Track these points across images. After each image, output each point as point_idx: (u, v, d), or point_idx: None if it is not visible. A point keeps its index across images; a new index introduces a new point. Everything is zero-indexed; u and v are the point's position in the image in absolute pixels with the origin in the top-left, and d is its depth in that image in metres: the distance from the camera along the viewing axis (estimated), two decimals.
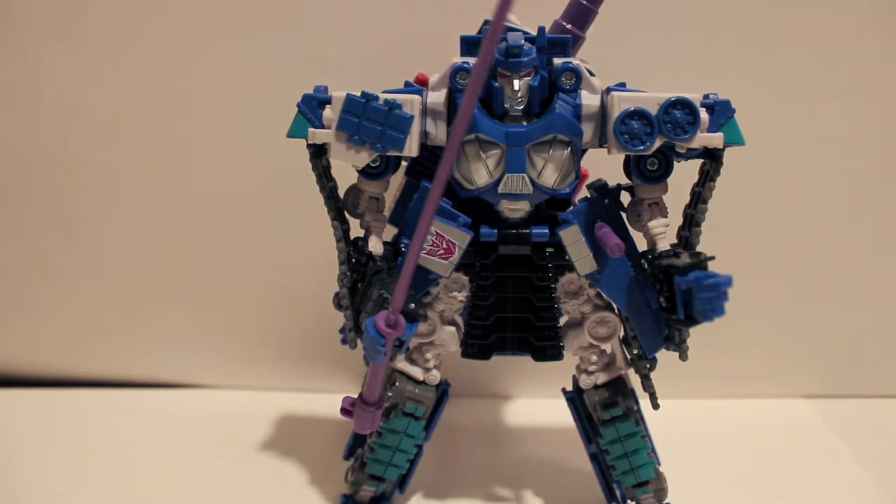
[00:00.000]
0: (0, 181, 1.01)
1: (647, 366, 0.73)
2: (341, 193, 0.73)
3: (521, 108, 0.68)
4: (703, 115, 0.67)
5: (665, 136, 0.67)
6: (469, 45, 0.70)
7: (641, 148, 0.67)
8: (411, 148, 0.68)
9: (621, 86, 0.69)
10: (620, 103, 0.67)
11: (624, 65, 0.86)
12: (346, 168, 0.71)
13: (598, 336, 0.75)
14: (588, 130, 0.69)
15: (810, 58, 0.96)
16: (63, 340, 1.06)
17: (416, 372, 0.76)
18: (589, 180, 0.78)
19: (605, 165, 0.76)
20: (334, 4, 0.95)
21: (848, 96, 0.98)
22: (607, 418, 0.75)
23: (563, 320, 0.77)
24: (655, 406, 0.75)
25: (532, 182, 0.69)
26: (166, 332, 1.06)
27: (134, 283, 1.04)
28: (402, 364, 0.76)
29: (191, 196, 1.01)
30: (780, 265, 1.03)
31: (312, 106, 0.68)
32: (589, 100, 0.69)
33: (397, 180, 0.81)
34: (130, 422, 0.98)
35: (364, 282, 0.70)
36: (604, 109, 0.68)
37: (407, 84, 0.71)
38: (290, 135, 0.69)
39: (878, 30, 0.96)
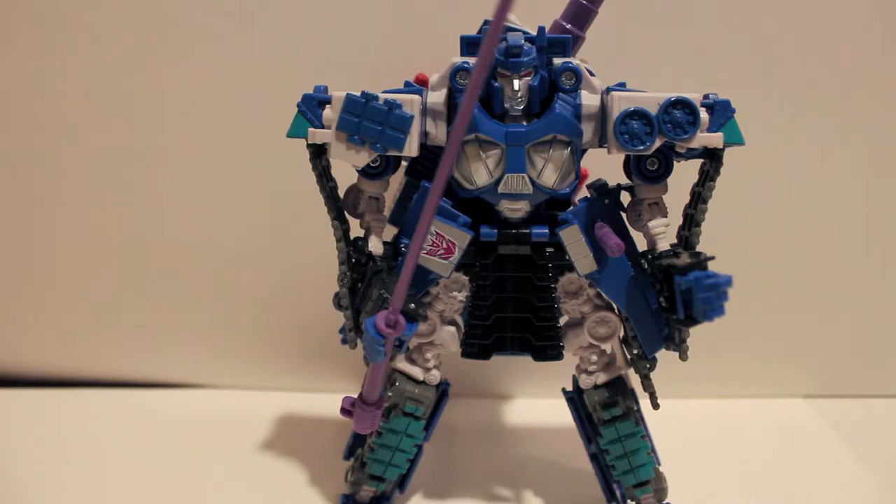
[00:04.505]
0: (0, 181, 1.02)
1: (647, 366, 0.73)
2: (341, 193, 0.73)
3: (521, 108, 0.68)
4: (703, 114, 0.67)
5: (665, 136, 0.67)
6: (469, 45, 0.70)
7: (641, 148, 0.67)
8: (411, 148, 0.68)
9: (621, 86, 0.69)
10: (620, 103, 0.67)
11: (624, 65, 0.86)
12: (346, 168, 0.71)
13: (598, 336, 0.75)
14: (588, 130, 0.69)
15: (810, 58, 0.96)
16: (63, 340, 1.06)
17: (416, 372, 0.76)
18: (589, 180, 0.78)
19: (605, 165, 0.76)
20: (335, 4, 0.95)
21: (848, 96, 0.98)
22: (607, 418, 0.75)
23: (563, 320, 0.76)
24: (655, 406, 0.75)
25: (532, 182, 0.69)
26: (166, 332, 1.06)
27: (134, 283, 1.04)
28: (402, 364, 0.76)
29: (191, 196, 1.01)
30: (779, 265, 1.03)
31: (312, 106, 0.68)
32: (589, 100, 0.69)
33: (397, 180, 0.81)
34: (130, 422, 0.97)
35: (364, 282, 0.70)
36: (604, 109, 0.68)
37: (407, 84, 0.71)
38: (290, 135, 0.69)
39: (879, 30, 0.96)
